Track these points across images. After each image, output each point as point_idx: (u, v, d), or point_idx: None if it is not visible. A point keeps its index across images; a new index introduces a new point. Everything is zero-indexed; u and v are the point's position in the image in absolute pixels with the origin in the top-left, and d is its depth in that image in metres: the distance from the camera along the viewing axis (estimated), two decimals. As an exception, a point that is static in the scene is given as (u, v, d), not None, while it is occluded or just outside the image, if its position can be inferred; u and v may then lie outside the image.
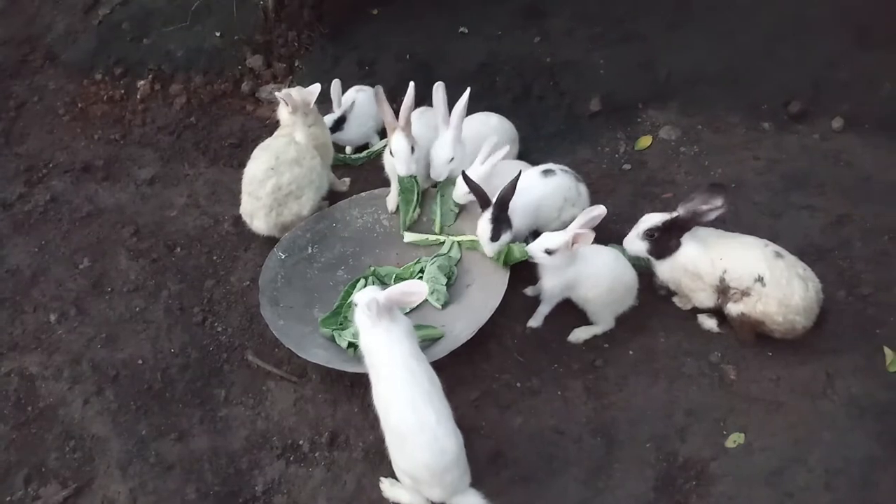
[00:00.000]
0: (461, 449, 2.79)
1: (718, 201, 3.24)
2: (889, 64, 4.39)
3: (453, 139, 3.70)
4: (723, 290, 3.29)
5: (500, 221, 3.41)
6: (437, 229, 3.82)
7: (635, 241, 3.40)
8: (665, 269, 3.42)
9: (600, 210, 3.23)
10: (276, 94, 3.94)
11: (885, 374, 3.22)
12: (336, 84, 4.29)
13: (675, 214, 3.31)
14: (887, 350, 3.28)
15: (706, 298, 3.36)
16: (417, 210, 3.82)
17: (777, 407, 3.16)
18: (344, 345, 3.41)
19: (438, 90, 3.69)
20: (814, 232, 3.77)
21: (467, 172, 3.52)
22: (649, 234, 3.35)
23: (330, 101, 4.31)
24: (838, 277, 3.55)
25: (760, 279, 3.18)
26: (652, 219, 3.37)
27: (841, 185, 3.99)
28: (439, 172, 3.74)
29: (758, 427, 3.11)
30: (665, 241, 3.33)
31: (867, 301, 3.48)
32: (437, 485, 2.79)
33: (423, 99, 3.79)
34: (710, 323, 3.43)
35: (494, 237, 3.43)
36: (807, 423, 3.10)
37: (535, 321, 3.52)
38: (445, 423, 2.76)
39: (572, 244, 3.23)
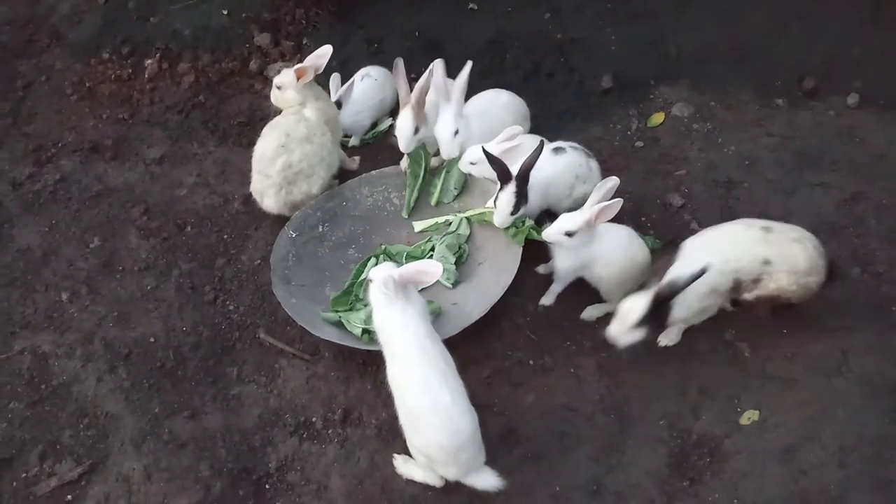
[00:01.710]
0: (476, 428, 2.79)
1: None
2: (904, 40, 4.34)
3: (455, 113, 3.68)
4: (734, 287, 3.17)
5: (521, 195, 3.36)
6: (433, 202, 3.82)
7: (630, 333, 3.06)
8: (681, 309, 3.11)
9: (613, 181, 3.18)
10: (274, 79, 3.91)
11: (899, 352, 3.21)
12: (335, 77, 4.33)
13: (653, 293, 2.96)
14: (902, 327, 3.27)
15: (724, 302, 3.24)
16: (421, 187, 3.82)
17: (791, 384, 3.16)
18: (357, 332, 3.37)
19: (438, 68, 3.65)
20: (827, 209, 3.74)
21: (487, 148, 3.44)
22: (644, 322, 3.02)
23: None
24: (852, 255, 3.53)
25: (766, 261, 3.11)
26: (635, 308, 3.00)
27: (855, 162, 3.96)
28: (448, 150, 3.72)
29: (772, 404, 3.11)
30: (660, 312, 3.04)
31: (882, 278, 3.46)
32: (452, 464, 2.80)
33: (432, 75, 3.75)
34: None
35: (515, 211, 3.39)
36: (821, 400, 3.09)
37: (547, 299, 3.51)
38: (460, 402, 2.76)
39: (594, 220, 3.17)
